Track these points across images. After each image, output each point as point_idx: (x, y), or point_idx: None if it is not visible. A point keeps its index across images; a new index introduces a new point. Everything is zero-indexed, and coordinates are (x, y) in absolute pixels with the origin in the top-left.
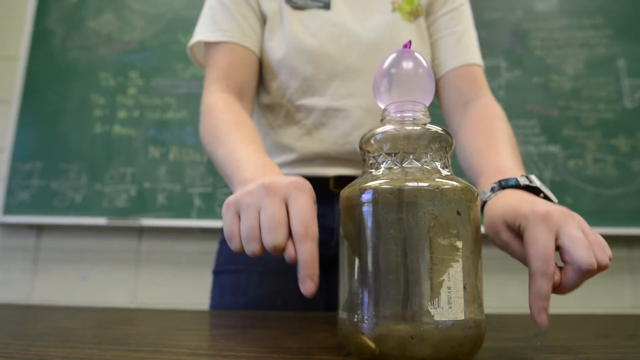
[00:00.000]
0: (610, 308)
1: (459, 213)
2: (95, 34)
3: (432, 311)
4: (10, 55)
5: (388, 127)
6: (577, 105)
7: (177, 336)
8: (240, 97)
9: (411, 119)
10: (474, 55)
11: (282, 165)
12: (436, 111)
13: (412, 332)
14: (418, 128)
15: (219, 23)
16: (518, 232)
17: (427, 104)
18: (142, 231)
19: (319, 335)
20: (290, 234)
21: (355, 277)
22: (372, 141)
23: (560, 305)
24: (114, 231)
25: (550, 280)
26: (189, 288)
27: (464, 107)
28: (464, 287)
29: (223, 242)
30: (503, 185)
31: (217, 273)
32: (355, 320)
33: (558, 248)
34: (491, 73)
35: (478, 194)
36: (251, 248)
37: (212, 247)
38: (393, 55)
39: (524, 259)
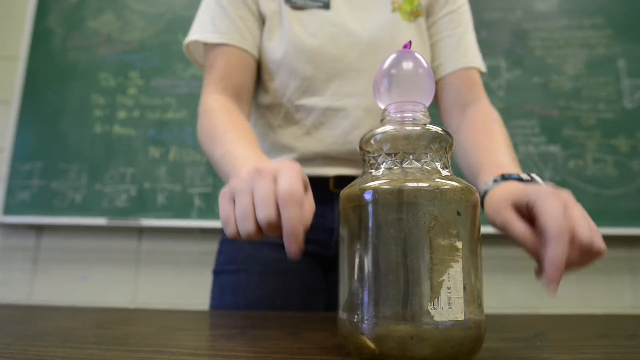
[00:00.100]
0: (610, 308)
1: (459, 213)
2: (95, 34)
3: (432, 311)
4: (10, 55)
5: (388, 128)
6: (577, 105)
7: (177, 336)
8: (238, 99)
9: (411, 119)
10: (473, 57)
11: None
12: (435, 111)
13: (412, 333)
14: (418, 128)
15: (217, 25)
16: (524, 210)
17: (427, 104)
18: (142, 231)
19: (319, 336)
20: None
21: (355, 277)
22: (372, 141)
23: (561, 305)
24: (114, 231)
25: (566, 247)
26: (188, 288)
27: (462, 109)
28: (464, 288)
29: (223, 242)
30: (505, 177)
31: (217, 273)
32: (355, 320)
33: None
34: (491, 73)
35: (478, 192)
36: (246, 228)
37: (212, 247)
38: (393, 56)
39: (523, 238)
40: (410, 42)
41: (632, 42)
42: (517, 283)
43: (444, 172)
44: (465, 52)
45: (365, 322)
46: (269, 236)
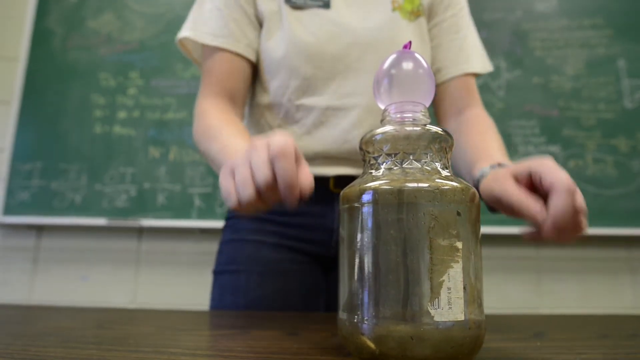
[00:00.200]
0: (611, 308)
1: (459, 214)
2: (95, 34)
3: (432, 312)
4: (10, 56)
5: (388, 128)
6: (577, 106)
7: (177, 336)
8: (232, 102)
9: (411, 119)
10: (474, 62)
11: None
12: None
13: (412, 333)
14: (418, 129)
15: (212, 26)
16: (524, 182)
17: (427, 105)
18: (142, 231)
19: (318, 336)
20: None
21: (355, 277)
22: (372, 142)
23: (561, 305)
24: (114, 231)
25: (571, 201)
26: (188, 288)
27: (457, 115)
28: (464, 288)
29: (223, 243)
30: (502, 165)
31: (217, 273)
32: (355, 320)
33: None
34: (491, 73)
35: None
36: (246, 194)
37: (212, 247)
38: (393, 56)
39: (523, 200)
40: (410, 42)
41: (632, 42)
42: (517, 283)
43: (444, 173)
44: (465, 57)
45: (366, 322)
46: (268, 204)
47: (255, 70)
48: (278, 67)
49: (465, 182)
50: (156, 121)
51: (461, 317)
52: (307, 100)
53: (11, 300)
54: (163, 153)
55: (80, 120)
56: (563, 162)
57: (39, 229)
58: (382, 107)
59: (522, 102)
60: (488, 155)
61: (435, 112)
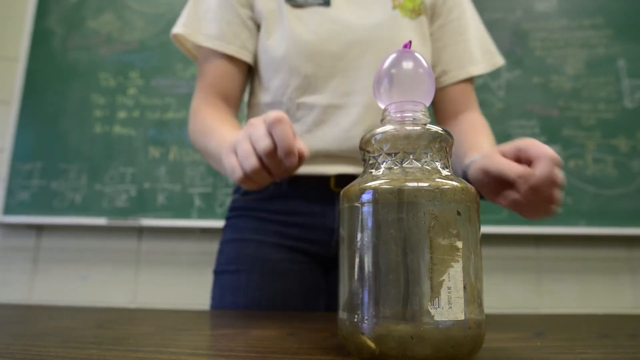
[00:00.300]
0: (611, 308)
1: (459, 213)
2: (95, 34)
3: (432, 311)
4: (10, 56)
5: (388, 127)
6: (577, 106)
7: (177, 336)
8: (226, 102)
9: (411, 119)
10: (480, 65)
11: None
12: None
13: (412, 332)
14: (418, 128)
15: (204, 27)
16: (513, 157)
17: (427, 104)
18: (142, 231)
19: (319, 336)
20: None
21: (356, 277)
22: (372, 141)
23: (561, 305)
24: (114, 231)
25: (553, 169)
26: (189, 288)
27: (455, 116)
28: (464, 287)
29: (224, 243)
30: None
31: (217, 273)
32: (356, 320)
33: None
34: (491, 73)
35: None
36: (249, 164)
37: (212, 247)
38: (393, 56)
39: (510, 166)
40: (410, 42)
41: (632, 42)
42: (517, 283)
43: (444, 172)
44: (471, 59)
45: (366, 322)
46: (271, 172)
47: (250, 71)
48: (278, 66)
49: (465, 182)
50: (156, 121)
51: (461, 317)
52: (307, 99)
53: (11, 300)
54: (163, 153)
55: (80, 120)
56: (563, 162)
57: (39, 229)
58: (382, 106)
59: (522, 102)
60: (479, 147)
61: (435, 114)
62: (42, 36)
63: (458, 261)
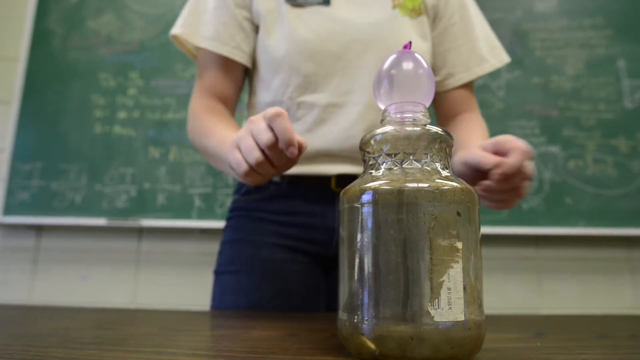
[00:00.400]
0: (610, 308)
1: (459, 214)
2: (95, 35)
3: (432, 312)
4: (10, 56)
5: (388, 128)
6: (577, 106)
7: (177, 337)
8: (223, 102)
9: (411, 119)
10: (486, 65)
11: None
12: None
13: (412, 333)
14: (418, 129)
15: (201, 28)
16: (492, 151)
17: (427, 105)
18: (142, 232)
19: (319, 336)
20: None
21: (355, 277)
22: (372, 142)
23: (561, 305)
24: (113, 232)
25: (523, 160)
26: (188, 289)
27: (454, 117)
28: (464, 288)
29: (224, 243)
30: None
31: (218, 273)
32: (355, 321)
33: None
34: (491, 73)
35: (478, 195)
36: (253, 157)
37: (212, 247)
38: (393, 56)
39: (486, 156)
40: (410, 42)
41: (632, 42)
42: (517, 283)
43: (444, 173)
44: (475, 61)
45: (366, 322)
46: (274, 164)
47: (248, 71)
48: (279, 65)
49: (465, 183)
50: (156, 121)
51: (461, 318)
52: (308, 98)
53: (11, 300)
54: (163, 153)
55: (80, 120)
56: (563, 162)
57: (39, 229)
58: (382, 107)
59: (522, 102)
60: (469, 146)
61: (436, 114)
62: (42, 36)
63: (458, 262)
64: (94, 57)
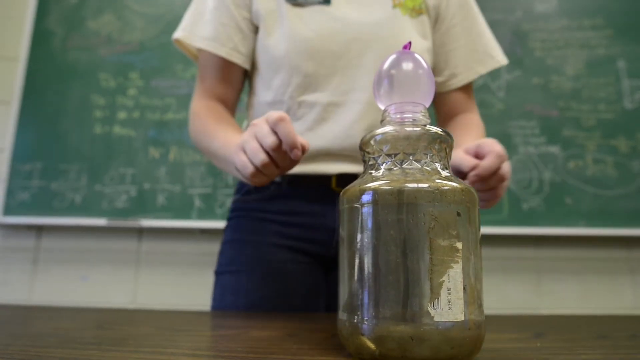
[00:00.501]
0: (610, 308)
1: (458, 214)
2: (95, 35)
3: (432, 312)
4: (10, 56)
5: (388, 128)
6: (577, 106)
7: (177, 337)
8: (222, 102)
9: (411, 120)
10: (488, 63)
11: None
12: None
13: (412, 333)
14: (418, 129)
15: (200, 29)
16: (474, 154)
17: (427, 105)
18: (142, 232)
19: (319, 336)
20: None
21: (355, 278)
22: (371, 142)
23: (561, 305)
24: (114, 232)
25: (499, 163)
26: (188, 289)
27: (453, 117)
28: (464, 288)
29: (225, 243)
30: None
31: (218, 274)
32: (355, 321)
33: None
34: (491, 73)
35: (478, 196)
36: (258, 159)
37: (212, 247)
38: (393, 57)
39: (467, 159)
40: (410, 42)
41: (632, 43)
42: (517, 283)
43: (444, 173)
44: (477, 59)
45: (365, 322)
46: (278, 165)
47: (247, 72)
48: (279, 65)
49: (465, 183)
50: (156, 121)
51: (461, 318)
52: (308, 97)
53: (11, 300)
54: (163, 153)
55: (80, 120)
56: (563, 163)
57: (39, 229)
58: (382, 107)
59: (522, 103)
60: (462, 146)
61: (436, 114)
62: (42, 36)
63: (458, 262)
64: (94, 57)
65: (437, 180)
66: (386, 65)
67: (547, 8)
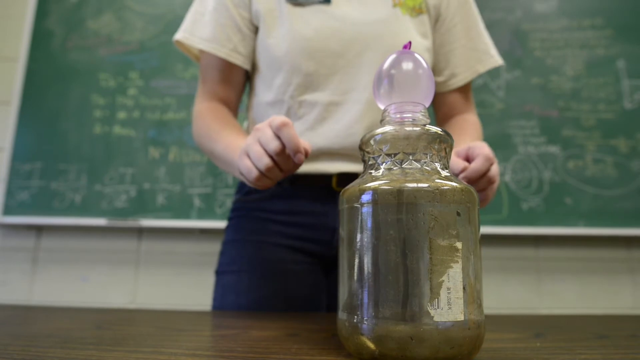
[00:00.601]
0: (610, 308)
1: (458, 214)
2: (95, 35)
3: (432, 312)
4: (10, 56)
5: (388, 128)
6: (577, 106)
7: (177, 337)
8: (224, 103)
9: (411, 119)
10: (487, 61)
11: None
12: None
13: (412, 333)
14: (418, 129)
15: (200, 30)
16: (464, 156)
17: (427, 105)
18: (141, 232)
19: (319, 336)
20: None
21: (355, 277)
22: (371, 142)
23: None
24: (113, 232)
25: (487, 166)
26: (188, 289)
27: (451, 117)
28: (464, 288)
29: (225, 243)
30: None
31: (219, 274)
32: (355, 321)
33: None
34: (491, 73)
35: (478, 196)
36: (262, 164)
37: (212, 247)
38: (393, 56)
39: (458, 163)
40: (410, 42)
41: (632, 43)
42: (516, 283)
43: (444, 173)
44: (476, 58)
45: (365, 322)
46: (282, 168)
47: (247, 73)
48: (280, 65)
49: (465, 183)
50: (156, 121)
51: (461, 318)
52: (309, 97)
53: (11, 300)
54: (163, 153)
55: (80, 120)
56: (563, 163)
57: (39, 229)
58: (382, 107)
59: (522, 103)
60: (458, 147)
61: (435, 114)
62: (42, 36)
63: (457, 262)
64: (94, 57)
65: (436, 180)
66: (386, 65)
67: (547, 8)
